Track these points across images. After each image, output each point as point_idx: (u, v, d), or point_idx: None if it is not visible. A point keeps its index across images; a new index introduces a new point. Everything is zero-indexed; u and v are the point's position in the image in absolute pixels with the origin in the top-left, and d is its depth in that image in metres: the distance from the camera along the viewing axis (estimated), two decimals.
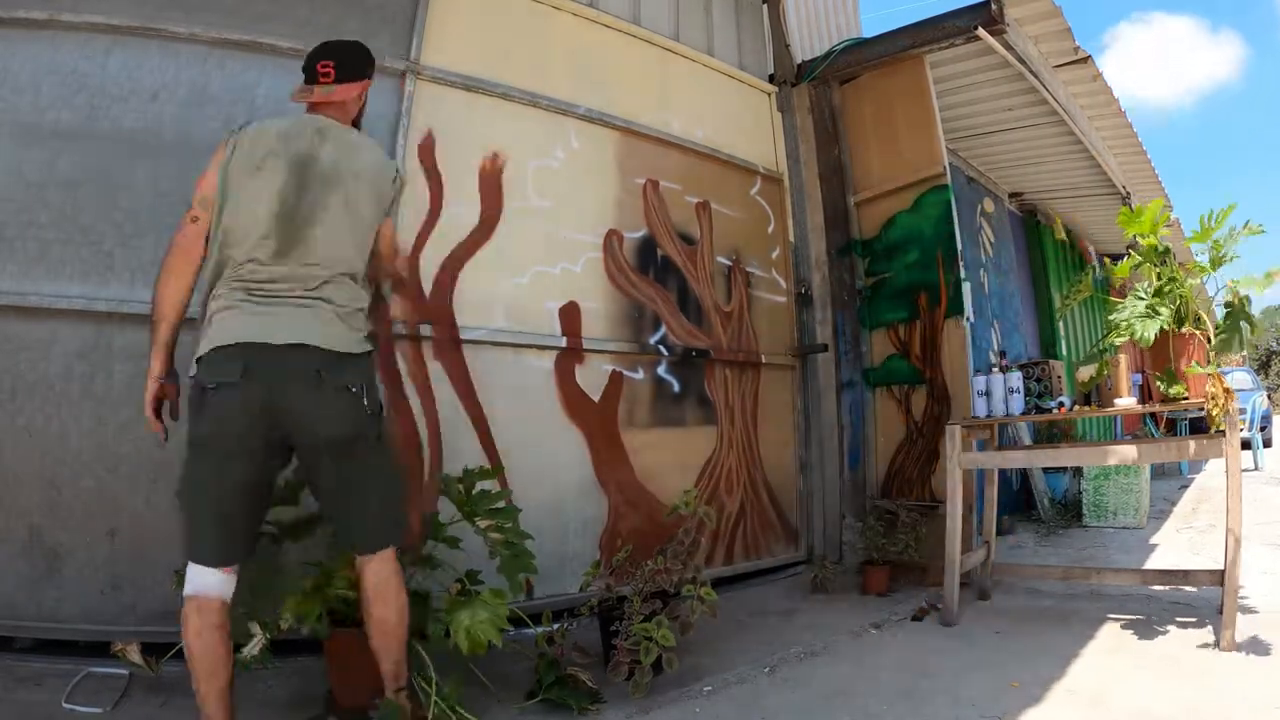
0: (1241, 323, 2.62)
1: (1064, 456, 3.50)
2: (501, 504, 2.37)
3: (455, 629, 1.99)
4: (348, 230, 1.88)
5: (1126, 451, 2.91)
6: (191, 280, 1.82)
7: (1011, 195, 6.79)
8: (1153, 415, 7.12)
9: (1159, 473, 7.85)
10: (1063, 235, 7.14)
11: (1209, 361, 2.66)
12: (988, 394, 3.23)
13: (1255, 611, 2.87)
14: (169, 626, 2.32)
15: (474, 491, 2.33)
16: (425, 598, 2.15)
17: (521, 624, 2.46)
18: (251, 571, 2.16)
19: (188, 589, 1.71)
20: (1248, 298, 2.65)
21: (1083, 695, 2.18)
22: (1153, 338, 2.61)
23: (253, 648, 2.01)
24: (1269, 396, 13.17)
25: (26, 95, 2.44)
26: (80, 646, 2.33)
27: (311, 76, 2.00)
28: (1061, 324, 7.38)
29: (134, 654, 2.17)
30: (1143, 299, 2.72)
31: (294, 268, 1.80)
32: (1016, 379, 3.19)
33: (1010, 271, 6.57)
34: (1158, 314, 2.64)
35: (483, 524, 2.27)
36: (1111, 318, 2.76)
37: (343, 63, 2.01)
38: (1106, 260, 7.96)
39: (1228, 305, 2.67)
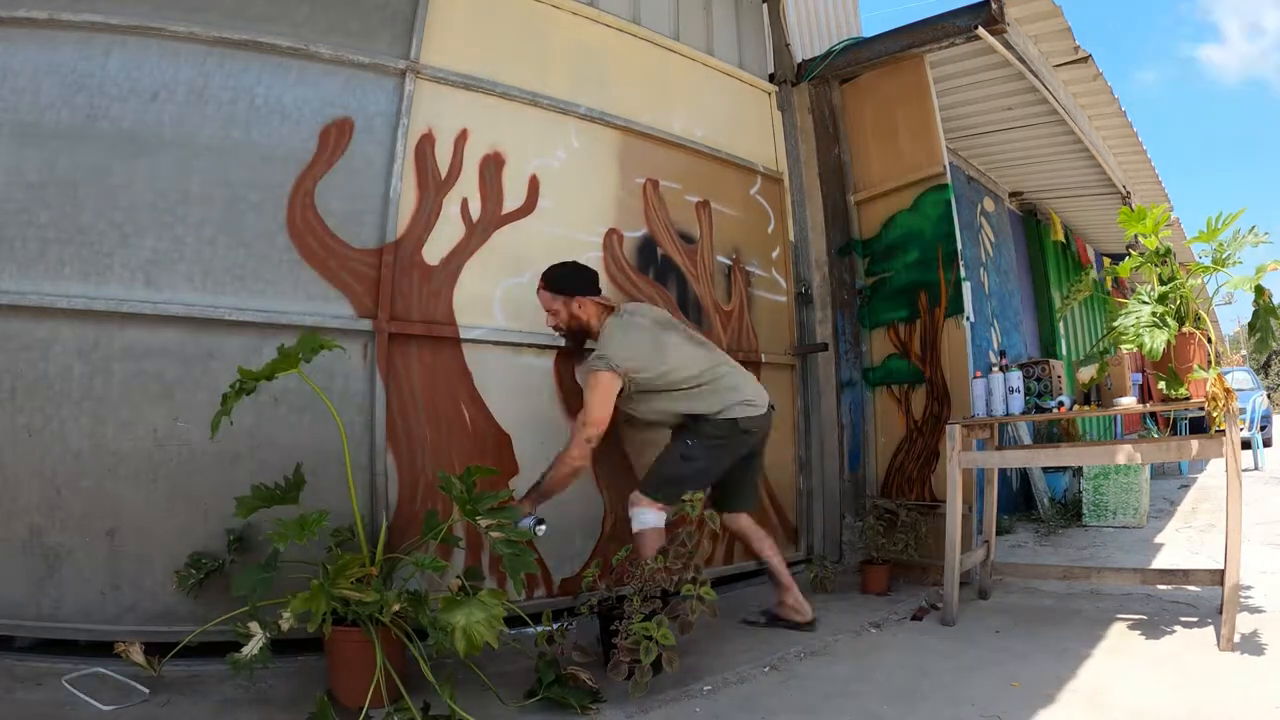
0: (1270, 319, 2.63)
1: (1064, 456, 3.49)
2: (502, 503, 2.37)
3: (452, 629, 1.99)
4: None
5: (1127, 451, 2.91)
6: None
7: (1011, 195, 6.78)
8: (1153, 415, 7.11)
9: (1159, 472, 7.85)
10: (1060, 236, 7.13)
11: (1211, 363, 2.65)
12: (988, 394, 3.23)
13: (1255, 611, 2.87)
14: (169, 626, 2.34)
15: (474, 490, 2.33)
16: (424, 598, 2.15)
17: (521, 623, 2.46)
18: (251, 572, 2.17)
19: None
20: (1270, 294, 2.65)
21: (1082, 694, 2.18)
22: (1161, 350, 2.60)
23: (253, 647, 2.01)
24: (1269, 396, 13.17)
25: (26, 95, 2.44)
26: (80, 646, 2.33)
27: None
28: (1061, 324, 7.38)
29: (135, 654, 2.17)
30: (1146, 303, 2.71)
31: None
32: (1016, 378, 3.19)
33: (1010, 271, 6.57)
34: (1166, 324, 2.63)
35: (484, 523, 2.26)
36: (1116, 323, 2.74)
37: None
38: (1107, 261, 7.98)
39: (1254, 304, 2.66)
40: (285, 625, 2.01)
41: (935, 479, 3.72)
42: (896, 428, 3.97)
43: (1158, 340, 2.60)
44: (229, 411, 2.15)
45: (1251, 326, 2.70)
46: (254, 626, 2.04)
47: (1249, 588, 3.13)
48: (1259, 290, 2.62)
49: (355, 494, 2.33)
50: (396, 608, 2.04)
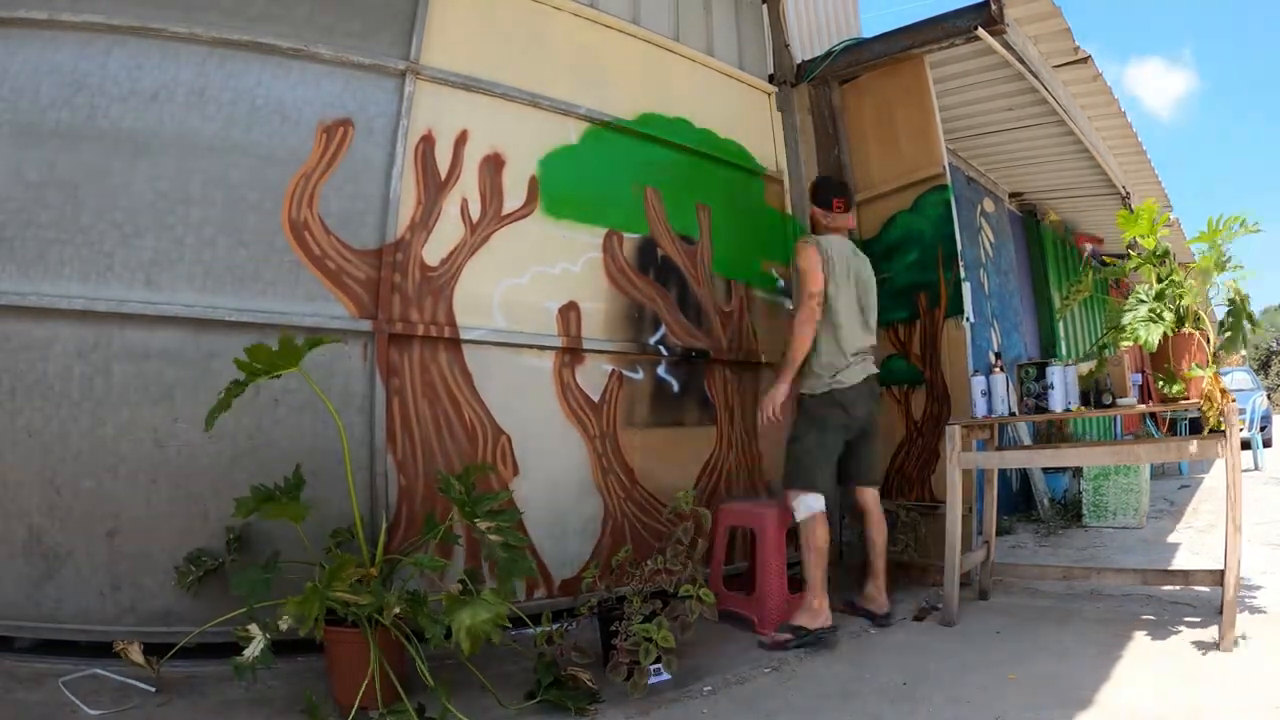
0: (1244, 321, 2.63)
1: (1064, 456, 3.50)
2: (502, 504, 2.37)
3: (456, 629, 1.99)
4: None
5: (1127, 451, 2.91)
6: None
7: (1011, 195, 6.78)
8: (1153, 415, 7.11)
9: (1159, 473, 7.85)
10: (1057, 222, 7.17)
11: (1209, 362, 2.66)
12: (988, 394, 3.23)
13: (1256, 611, 2.87)
14: (169, 626, 2.34)
15: (473, 491, 2.33)
16: (423, 599, 2.15)
17: (521, 624, 2.46)
18: (251, 571, 2.17)
19: (815, 508, 2.96)
20: (1247, 296, 2.66)
21: (1082, 694, 2.18)
22: (1156, 342, 2.62)
23: (254, 649, 2.01)
24: (1269, 396, 13.17)
25: (26, 95, 2.44)
26: (80, 646, 2.33)
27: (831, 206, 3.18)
28: (1061, 324, 7.38)
29: (135, 654, 2.17)
30: (1144, 301, 2.73)
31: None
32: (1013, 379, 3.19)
33: (1010, 271, 6.56)
34: (1161, 318, 2.65)
35: (482, 525, 2.26)
36: (1115, 321, 2.76)
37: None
38: (1108, 260, 7.97)
39: (1229, 304, 2.68)
40: (284, 626, 2.00)
41: (935, 479, 3.72)
42: (896, 428, 3.96)
43: (1153, 333, 2.63)
44: (228, 405, 2.14)
45: (1222, 324, 2.71)
46: (254, 629, 2.03)
47: (1249, 588, 3.13)
48: (1235, 289, 2.65)
49: (355, 495, 2.33)
50: (397, 610, 2.04)
